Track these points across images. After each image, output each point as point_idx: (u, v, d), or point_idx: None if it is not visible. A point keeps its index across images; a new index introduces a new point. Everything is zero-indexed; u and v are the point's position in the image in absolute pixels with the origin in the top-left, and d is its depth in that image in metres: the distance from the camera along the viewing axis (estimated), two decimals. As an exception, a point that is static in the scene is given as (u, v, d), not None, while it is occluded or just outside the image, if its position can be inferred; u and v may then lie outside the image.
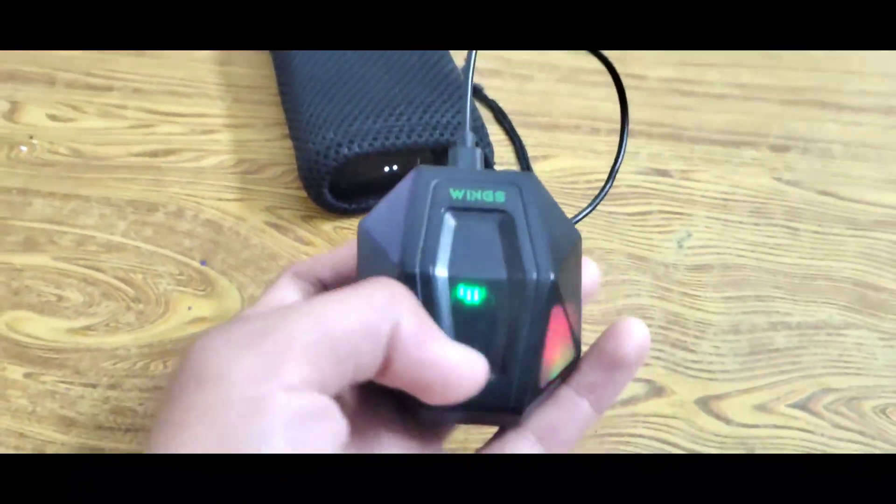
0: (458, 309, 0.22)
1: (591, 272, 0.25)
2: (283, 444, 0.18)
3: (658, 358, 0.36)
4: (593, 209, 0.34)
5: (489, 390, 0.22)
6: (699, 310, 0.38)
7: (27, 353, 0.35)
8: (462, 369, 0.21)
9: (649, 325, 0.37)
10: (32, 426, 0.33)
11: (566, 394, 0.25)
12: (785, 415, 0.34)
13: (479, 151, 0.27)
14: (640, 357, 0.24)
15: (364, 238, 0.24)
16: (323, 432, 0.19)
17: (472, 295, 0.22)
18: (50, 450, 0.32)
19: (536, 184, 0.24)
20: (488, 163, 0.39)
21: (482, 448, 0.25)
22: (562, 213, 0.25)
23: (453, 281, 0.22)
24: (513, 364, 0.22)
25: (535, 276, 0.22)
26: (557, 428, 0.24)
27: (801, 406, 0.35)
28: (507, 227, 0.23)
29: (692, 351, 0.36)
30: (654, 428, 0.34)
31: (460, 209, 0.23)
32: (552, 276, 0.22)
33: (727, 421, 0.34)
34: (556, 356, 0.23)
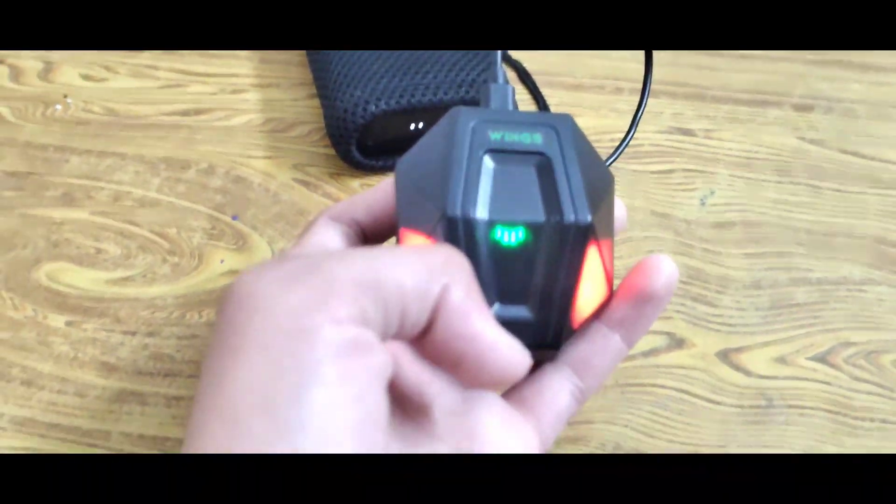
0: (498, 250, 0.23)
1: (618, 210, 0.26)
2: (331, 374, 0.18)
3: (679, 311, 0.37)
4: (615, 159, 0.35)
5: (529, 327, 0.23)
6: (721, 265, 0.38)
7: (68, 302, 0.36)
8: (500, 352, 0.20)
9: (671, 280, 0.37)
10: (74, 371, 0.34)
11: (598, 328, 0.26)
12: (804, 367, 0.35)
13: (511, 88, 0.27)
14: (669, 291, 0.25)
15: (403, 179, 0.25)
16: (368, 365, 0.19)
17: (511, 236, 0.23)
18: (91, 393, 0.34)
19: (573, 126, 0.24)
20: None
21: (520, 382, 0.26)
22: (597, 155, 0.25)
23: (493, 223, 0.23)
24: (551, 303, 0.23)
25: (573, 217, 0.23)
26: (591, 360, 0.25)
27: (820, 359, 0.35)
28: (544, 169, 0.23)
29: (713, 305, 0.37)
30: (676, 378, 0.35)
31: (499, 151, 0.23)
32: (589, 218, 0.23)
33: (747, 372, 0.35)
34: (591, 294, 0.24)
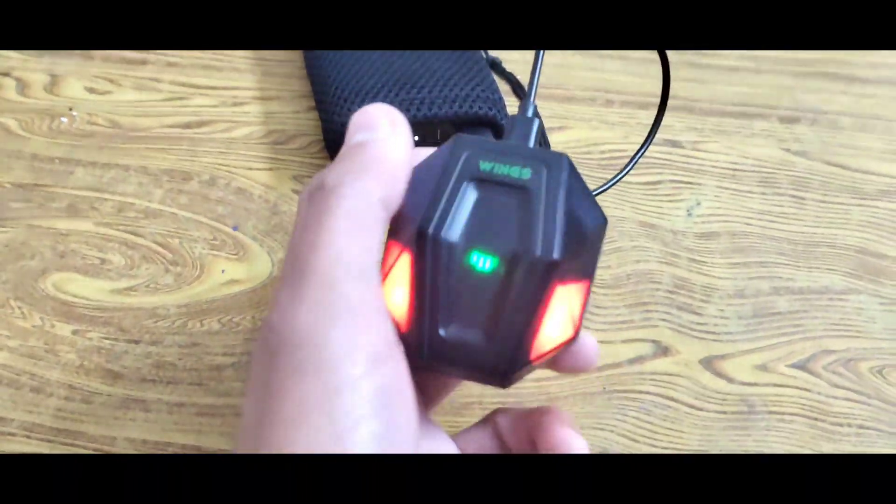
0: (463, 274, 0.24)
1: (589, 343, 0.27)
2: (376, 426, 0.20)
3: (665, 320, 0.38)
4: (613, 185, 0.35)
5: (479, 353, 0.24)
6: (706, 275, 0.39)
7: (74, 311, 0.38)
8: None
9: (657, 290, 0.39)
10: (81, 378, 0.36)
11: None
12: (784, 374, 0.36)
13: (537, 122, 0.27)
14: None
15: (409, 186, 0.25)
16: (403, 406, 0.21)
17: (477, 263, 0.24)
18: (97, 400, 0.35)
19: (567, 165, 0.25)
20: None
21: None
22: (590, 196, 0.26)
23: (462, 247, 0.24)
24: (506, 332, 0.24)
25: (538, 252, 0.23)
26: None
27: (801, 366, 0.36)
28: (525, 202, 0.24)
29: (698, 314, 0.38)
30: (660, 385, 0.36)
31: (485, 181, 0.24)
32: (556, 255, 0.23)
33: (729, 379, 0.36)
34: (553, 332, 0.25)
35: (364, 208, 0.23)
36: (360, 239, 0.22)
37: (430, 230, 0.24)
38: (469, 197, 0.24)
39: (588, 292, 0.26)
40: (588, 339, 0.26)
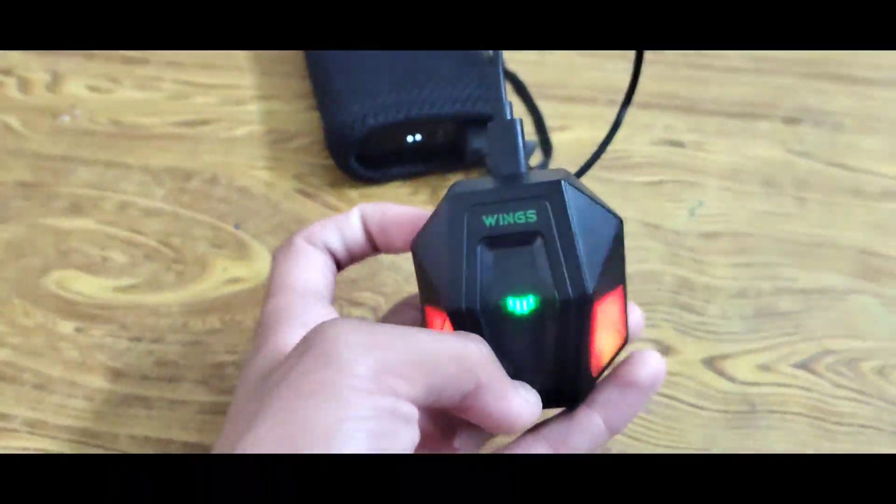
0: (503, 330, 0.25)
1: (633, 315, 0.28)
2: (369, 430, 0.21)
3: (667, 320, 0.38)
4: (584, 172, 0.35)
5: (555, 392, 0.26)
6: (708, 275, 0.39)
7: (76, 309, 0.38)
8: (521, 419, 0.25)
9: (659, 290, 0.39)
10: (83, 375, 0.36)
11: (580, 408, 0.27)
12: (786, 374, 0.36)
13: (518, 121, 0.28)
14: (654, 383, 0.27)
15: (420, 259, 0.26)
16: (401, 435, 0.22)
17: (514, 313, 0.24)
18: (99, 397, 0.35)
19: (567, 189, 0.25)
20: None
21: (499, 448, 0.28)
22: (599, 203, 0.26)
23: (494, 308, 0.24)
24: (565, 369, 0.25)
25: (571, 292, 0.24)
26: (569, 439, 0.27)
27: (802, 366, 0.36)
28: (540, 246, 0.24)
29: (700, 314, 0.38)
30: (663, 384, 0.36)
31: (495, 237, 0.25)
32: (589, 290, 0.24)
33: (731, 379, 0.36)
34: (606, 345, 0.26)
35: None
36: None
37: (462, 306, 0.24)
38: (486, 258, 0.25)
39: (624, 294, 0.27)
40: (649, 353, 0.27)
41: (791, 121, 0.46)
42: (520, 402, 0.24)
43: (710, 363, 0.36)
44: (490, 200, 0.25)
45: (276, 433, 0.20)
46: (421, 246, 0.26)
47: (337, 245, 0.29)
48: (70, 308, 0.38)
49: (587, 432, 0.27)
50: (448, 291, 0.24)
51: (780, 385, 0.36)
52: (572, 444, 0.27)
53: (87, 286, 0.38)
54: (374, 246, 0.30)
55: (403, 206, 0.30)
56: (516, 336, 0.25)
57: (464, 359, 0.23)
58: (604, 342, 0.26)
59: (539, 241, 0.24)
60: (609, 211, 0.26)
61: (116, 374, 0.36)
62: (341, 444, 0.20)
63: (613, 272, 0.26)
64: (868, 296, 0.39)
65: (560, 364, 0.25)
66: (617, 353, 0.27)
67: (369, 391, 0.21)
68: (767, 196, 0.43)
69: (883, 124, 0.46)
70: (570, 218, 0.24)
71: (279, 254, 0.29)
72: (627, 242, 0.40)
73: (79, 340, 0.37)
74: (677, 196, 0.42)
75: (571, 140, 0.45)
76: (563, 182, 0.25)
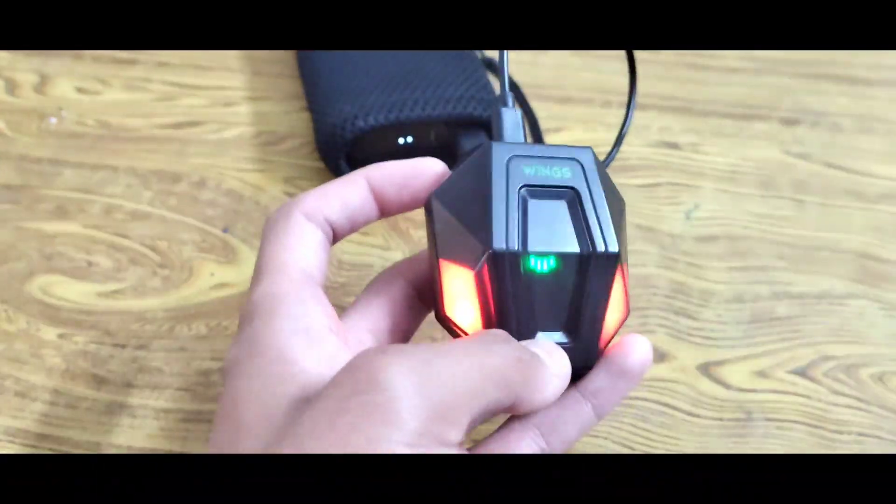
0: (537, 280, 0.25)
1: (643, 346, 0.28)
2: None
3: (662, 325, 0.37)
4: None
5: (568, 351, 0.25)
6: (704, 279, 0.39)
7: (60, 315, 0.37)
8: (559, 393, 0.25)
9: (654, 294, 0.38)
10: (66, 383, 0.35)
11: (572, 394, 0.27)
12: (783, 380, 0.35)
13: (519, 112, 0.29)
14: (644, 369, 0.27)
15: (441, 212, 0.26)
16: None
17: (548, 266, 0.25)
18: (82, 405, 0.34)
19: (595, 159, 0.27)
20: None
21: (487, 437, 0.26)
22: (612, 182, 0.28)
23: (532, 255, 0.25)
24: (585, 328, 0.26)
25: (603, 247, 0.25)
26: (559, 426, 0.26)
27: (800, 372, 0.36)
28: (574, 202, 0.26)
29: (695, 319, 0.37)
30: (657, 391, 0.35)
31: (534, 186, 0.26)
32: (617, 248, 0.26)
33: (727, 386, 0.35)
34: (615, 316, 0.27)
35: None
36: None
37: (504, 246, 0.25)
38: (524, 204, 0.25)
39: (627, 271, 0.28)
40: (636, 338, 0.27)
41: (789, 122, 0.45)
42: (555, 385, 0.24)
43: (706, 369, 0.36)
44: (529, 154, 0.26)
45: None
46: (446, 195, 0.26)
47: (338, 217, 0.27)
48: (54, 314, 0.37)
49: (578, 420, 0.26)
50: (492, 232, 0.25)
51: (777, 392, 0.35)
52: (564, 432, 0.26)
53: (72, 291, 0.38)
54: (381, 210, 0.28)
55: (409, 161, 0.28)
56: (544, 291, 0.25)
57: (508, 383, 0.23)
58: (615, 312, 0.27)
59: (573, 197, 0.26)
60: (619, 191, 0.28)
61: (100, 382, 0.35)
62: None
63: (625, 246, 0.27)
64: (867, 300, 0.38)
65: (584, 326, 0.26)
66: (619, 329, 0.27)
67: (418, 444, 0.21)
68: (765, 198, 0.42)
69: (882, 125, 0.45)
70: (600, 183, 0.26)
71: (272, 228, 0.27)
72: (622, 246, 0.40)
73: (62, 347, 0.36)
74: (673, 199, 0.42)
75: (566, 141, 0.44)
76: (591, 149, 0.27)
